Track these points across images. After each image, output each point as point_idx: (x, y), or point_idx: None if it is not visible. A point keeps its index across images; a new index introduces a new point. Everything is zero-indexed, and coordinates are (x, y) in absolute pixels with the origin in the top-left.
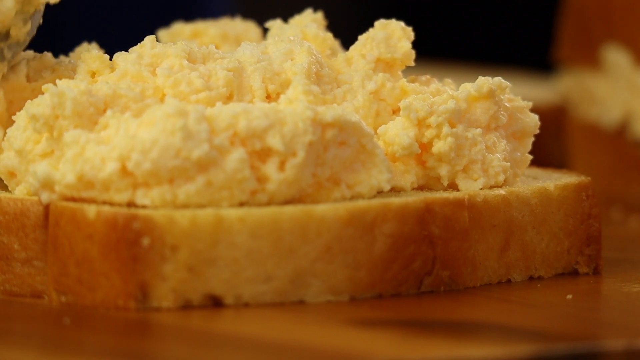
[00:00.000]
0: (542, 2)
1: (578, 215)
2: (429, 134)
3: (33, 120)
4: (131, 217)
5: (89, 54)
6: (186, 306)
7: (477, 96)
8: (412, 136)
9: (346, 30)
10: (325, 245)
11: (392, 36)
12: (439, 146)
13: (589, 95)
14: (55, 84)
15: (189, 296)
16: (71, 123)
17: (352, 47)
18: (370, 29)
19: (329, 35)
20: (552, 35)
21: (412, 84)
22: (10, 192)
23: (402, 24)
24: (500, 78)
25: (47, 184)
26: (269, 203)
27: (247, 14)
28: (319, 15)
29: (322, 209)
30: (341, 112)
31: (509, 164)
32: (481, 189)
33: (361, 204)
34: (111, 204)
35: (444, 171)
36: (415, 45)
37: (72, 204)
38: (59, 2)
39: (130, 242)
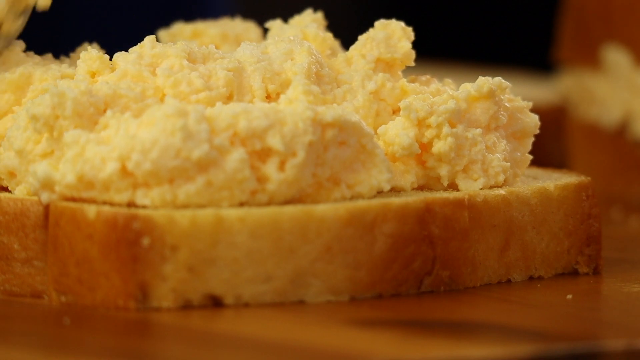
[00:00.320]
0: (542, 2)
1: (578, 215)
2: (429, 134)
3: (33, 120)
4: (131, 217)
5: (89, 54)
6: (186, 306)
7: (477, 96)
8: (412, 136)
9: (346, 30)
10: (325, 245)
11: (392, 36)
12: (439, 146)
13: (589, 95)
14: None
15: (189, 296)
16: (71, 123)
17: (352, 47)
18: (370, 29)
19: (329, 35)
20: (552, 35)
21: (412, 84)
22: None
23: (402, 24)
24: (500, 78)
25: (47, 184)
26: (269, 203)
27: (247, 14)
28: (319, 16)
29: (322, 209)
30: (341, 112)
31: (509, 164)
32: (481, 189)
33: (361, 204)
34: (111, 204)
35: (444, 171)
36: (415, 45)
37: (72, 204)
38: (59, 3)
39: (130, 242)
